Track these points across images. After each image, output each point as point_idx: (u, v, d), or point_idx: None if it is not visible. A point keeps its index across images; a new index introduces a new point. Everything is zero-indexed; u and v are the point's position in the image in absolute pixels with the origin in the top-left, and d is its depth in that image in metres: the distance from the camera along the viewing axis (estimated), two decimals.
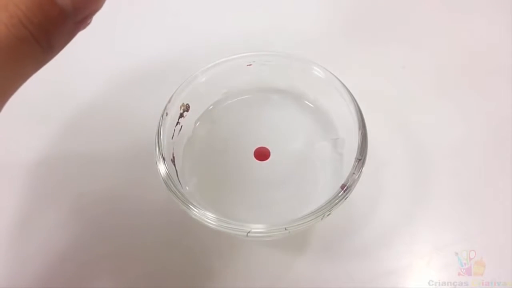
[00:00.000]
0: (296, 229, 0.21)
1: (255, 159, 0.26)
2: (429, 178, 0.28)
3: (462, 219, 0.27)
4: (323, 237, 0.26)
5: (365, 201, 0.27)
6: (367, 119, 0.24)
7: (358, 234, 0.26)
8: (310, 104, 0.27)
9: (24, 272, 0.26)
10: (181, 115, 0.26)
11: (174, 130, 0.25)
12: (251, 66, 0.27)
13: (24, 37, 0.14)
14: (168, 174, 0.23)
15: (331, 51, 0.34)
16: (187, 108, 0.26)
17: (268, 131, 0.27)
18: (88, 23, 0.16)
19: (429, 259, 0.26)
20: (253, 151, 0.26)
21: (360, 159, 0.23)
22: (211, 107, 0.28)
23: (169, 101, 0.25)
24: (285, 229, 0.21)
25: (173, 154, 0.25)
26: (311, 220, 0.21)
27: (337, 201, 0.22)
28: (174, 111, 0.25)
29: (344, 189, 0.22)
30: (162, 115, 0.24)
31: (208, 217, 0.21)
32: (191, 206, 0.22)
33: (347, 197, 0.22)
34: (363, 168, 0.23)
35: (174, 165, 0.24)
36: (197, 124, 0.27)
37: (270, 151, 0.26)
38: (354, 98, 0.24)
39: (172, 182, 0.22)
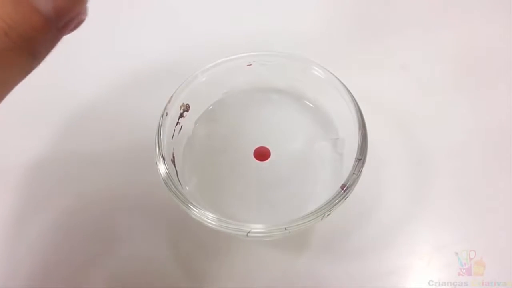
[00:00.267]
0: (296, 229, 0.21)
1: (255, 159, 0.26)
2: (429, 178, 0.28)
3: (462, 219, 0.27)
4: (323, 237, 0.26)
5: (365, 201, 0.27)
6: (367, 119, 0.24)
7: (358, 234, 0.26)
8: (310, 104, 0.27)
9: (24, 272, 0.26)
10: (181, 115, 0.26)
11: (174, 130, 0.25)
12: (251, 66, 0.27)
13: (9, 47, 0.14)
14: (168, 174, 0.23)
15: (331, 51, 0.34)
16: (187, 108, 0.26)
17: (268, 131, 0.27)
18: (75, 28, 0.16)
19: (429, 259, 0.26)
20: (253, 151, 0.26)
21: (360, 159, 0.23)
22: (211, 107, 0.28)
23: (169, 101, 0.25)
24: (285, 229, 0.21)
25: (173, 154, 0.25)
26: (311, 220, 0.21)
27: (337, 201, 0.22)
28: (174, 111, 0.25)
29: (344, 189, 0.22)
30: (162, 115, 0.24)
31: (208, 217, 0.21)
32: (191, 206, 0.22)
33: (347, 197, 0.22)
34: (363, 168, 0.23)
35: (174, 165, 0.24)
36: (197, 124, 0.27)
37: (270, 151, 0.26)
38: (354, 98, 0.24)
39: (172, 182, 0.22)
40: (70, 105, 0.32)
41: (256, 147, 0.26)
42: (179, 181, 0.24)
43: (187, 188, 0.24)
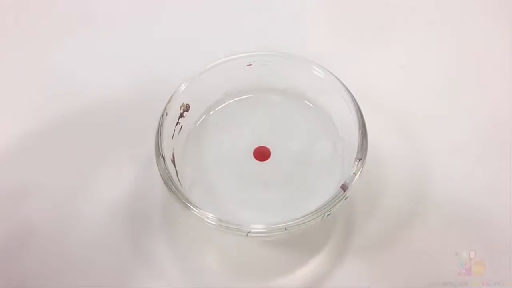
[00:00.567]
0: (296, 229, 0.21)
1: (255, 159, 0.26)
2: (429, 178, 0.28)
3: (462, 219, 0.27)
4: (323, 236, 0.26)
5: (365, 201, 0.27)
6: (367, 119, 0.24)
7: (358, 234, 0.26)
8: (310, 104, 0.27)
9: (24, 272, 0.26)
10: (181, 115, 0.26)
11: (174, 130, 0.25)
12: (251, 66, 0.27)
13: None
14: (168, 174, 0.23)
15: (331, 51, 0.34)
16: (187, 108, 0.26)
17: (268, 131, 0.27)
18: None
19: (429, 259, 0.26)
20: (253, 151, 0.26)
21: (360, 159, 0.23)
22: (211, 107, 0.28)
23: (169, 101, 0.25)
24: (285, 229, 0.21)
25: (173, 154, 0.25)
26: (311, 220, 0.21)
27: (337, 201, 0.22)
28: (174, 111, 0.25)
29: (344, 189, 0.22)
30: (162, 115, 0.24)
31: (208, 217, 0.21)
32: (191, 206, 0.22)
33: (347, 197, 0.22)
34: (363, 168, 0.23)
35: (174, 165, 0.24)
36: (197, 124, 0.27)
37: (270, 151, 0.26)
38: (354, 98, 0.24)
39: (172, 182, 0.22)
40: (70, 105, 0.32)
41: (256, 147, 0.26)
42: (179, 181, 0.24)
43: (187, 188, 0.24)
